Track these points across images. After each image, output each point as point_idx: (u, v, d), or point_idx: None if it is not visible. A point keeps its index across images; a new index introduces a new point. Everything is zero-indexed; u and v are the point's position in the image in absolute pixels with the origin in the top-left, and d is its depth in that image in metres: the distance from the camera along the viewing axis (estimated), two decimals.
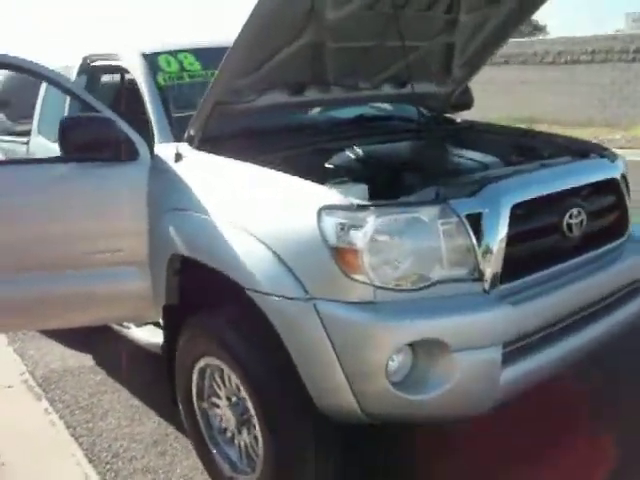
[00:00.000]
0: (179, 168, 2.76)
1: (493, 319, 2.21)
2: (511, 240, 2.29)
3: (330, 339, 2.15)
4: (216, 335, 2.53)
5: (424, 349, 2.16)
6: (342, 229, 2.15)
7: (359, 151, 2.90)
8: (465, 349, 2.16)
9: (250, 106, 2.85)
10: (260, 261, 2.31)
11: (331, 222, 2.16)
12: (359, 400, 2.18)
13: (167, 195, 2.77)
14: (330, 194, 2.22)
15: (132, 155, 2.88)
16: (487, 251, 2.23)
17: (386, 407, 2.18)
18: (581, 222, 2.53)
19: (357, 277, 2.14)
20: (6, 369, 3.99)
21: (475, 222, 2.23)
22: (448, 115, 3.80)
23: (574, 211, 2.50)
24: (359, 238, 2.12)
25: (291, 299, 2.22)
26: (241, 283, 2.35)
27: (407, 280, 2.17)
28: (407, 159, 2.90)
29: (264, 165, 2.49)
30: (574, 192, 2.56)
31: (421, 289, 2.18)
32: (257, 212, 2.39)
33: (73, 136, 2.73)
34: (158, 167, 2.85)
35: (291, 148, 2.85)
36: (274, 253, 2.28)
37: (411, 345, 2.15)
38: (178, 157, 2.79)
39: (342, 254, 2.15)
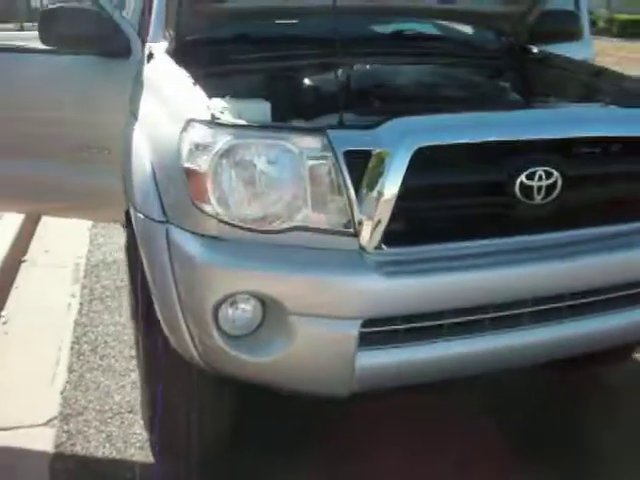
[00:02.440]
0: (146, 69, 2.60)
1: (351, 286, 1.79)
2: (415, 193, 1.82)
3: (172, 271, 1.91)
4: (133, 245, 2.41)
5: (271, 306, 1.83)
6: (197, 148, 1.85)
7: (340, 72, 2.45)
8: (308, 315, 1.78)
9: (232, 7, 2.55)
10: (141, 176, 2.12)
11: (188, 138, 1.87)
12: (197, 348, 1.93)
13: (132, 97, 2.64)
14: (201, 108, 1.91)
15: (123, 52, 2.78)
16: (370, 202, 1.78)
17: (220, 361, 1.90)
18: (552, 186, 1.91)
19: (202, 206, 1.84)
20: (71, 250, 4.28)
21: (359, 162, 1.78)
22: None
23: (539, 171, 1.88)
24: (205, 160, 1.81)
25: (150, 219, 2.00)
26: (128, 197, 2.19)
27: (257, 219, 1.82)
28: (390, 85, 2.40)
29: (206, 77, 2.21)
30: (550, 145, 1.94)
31: (273, 232, 1.82)
32: (157, 125, 2.16)
33: (53, 27, 2.67)
34: (139, 67, 2.71)
35: (265, 61, 2.53)
36: (152, 168, 2.07)
37: (261, 299, 1.84)
38: (149, 57, 2.62)
39: (191, 177, 1.86)
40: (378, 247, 1.81)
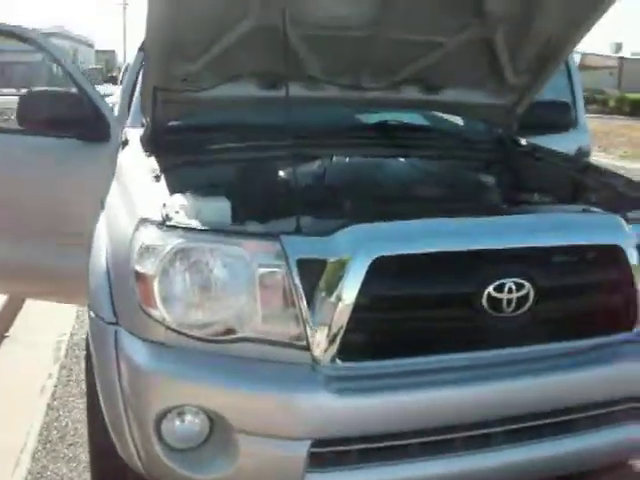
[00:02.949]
0: (119, 157, 2.57)
1: (300, 405, 1.68)
2: (372, 305, 1.72)
3: (119, 376, 1.82)
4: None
5: (217, 421, 1.71)
6: (147, 249, 1.77)
7: (308, 168, 2.41)
8: (255, 433, 1.67)
9: (205, 96, 2.51)
10: (96, 271, 2.05)
11: (140, 239, 1.80)
12: (140, 457, 1.81)
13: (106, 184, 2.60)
14: (156, 206, 1.84)
15: (103, 136, 2.77)
16: (324, 314, 1.68)
17: (162, 475, 1.79)
18: (523, 298, 1.79)
19: (150, 311, 1.76)
20: (55, 327, 4.20)
21: (314, 271, 1.69)
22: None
23: (508, 283, 1.77)
24: (153, 262, 1.73)
25: (100, 319, 1.92)
26: (85, 292, 2.11)
27: (204, 327, 1.73)
28: (359, 184, 2.34)
29: (170, 170, 2.16)
30: (521, 254, 1.84)
31: (221, 342, 1.73)
32: (117, 219, 2.11)
33: (32, 110, 2.68)
34: (114, 153, 2.69)
35: (234, 152, 2.49)
36: (107, 265, 2.00)
37: (207, 414, 1.72)
38: (124, 144, 2.60)
39: (139, 279, 1.78)
40: (332, 361, 1.71)
